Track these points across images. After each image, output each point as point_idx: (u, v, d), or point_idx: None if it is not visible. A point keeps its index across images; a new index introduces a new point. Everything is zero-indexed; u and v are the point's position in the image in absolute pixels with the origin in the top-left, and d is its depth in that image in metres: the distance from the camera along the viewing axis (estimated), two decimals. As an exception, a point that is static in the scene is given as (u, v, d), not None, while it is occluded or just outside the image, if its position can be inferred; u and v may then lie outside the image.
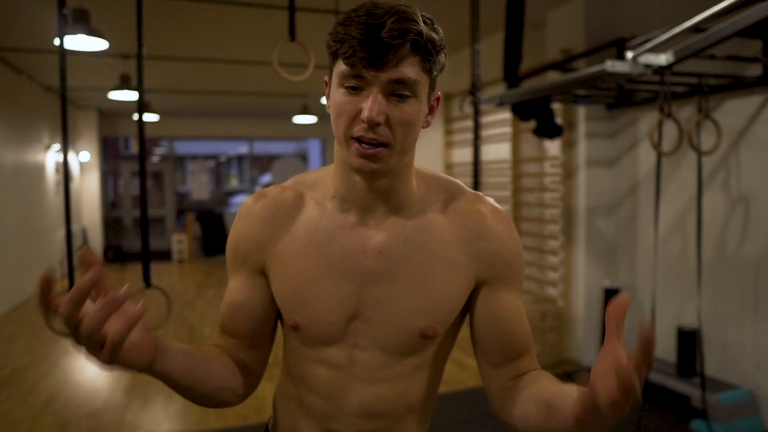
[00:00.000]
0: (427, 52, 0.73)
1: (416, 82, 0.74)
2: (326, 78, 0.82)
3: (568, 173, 3.88)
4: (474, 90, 2.87)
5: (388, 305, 0.83)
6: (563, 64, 3.57)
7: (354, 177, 0.81)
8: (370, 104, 0.72)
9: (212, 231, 9.45)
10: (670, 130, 3.06)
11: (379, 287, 0.83)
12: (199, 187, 10.84)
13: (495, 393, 0.88)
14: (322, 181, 0.88)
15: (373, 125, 0.73)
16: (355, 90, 0.73)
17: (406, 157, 0.80)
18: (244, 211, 0.90)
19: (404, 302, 0.82)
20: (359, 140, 0.74)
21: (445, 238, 0.84)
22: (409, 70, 0.73)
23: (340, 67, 0.74)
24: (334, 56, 0.75)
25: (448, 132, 5.62)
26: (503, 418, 0.86)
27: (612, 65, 2.21)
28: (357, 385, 0.86)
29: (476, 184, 2.93)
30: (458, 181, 0.90)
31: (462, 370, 3.75)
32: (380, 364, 0.85)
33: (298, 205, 0.87)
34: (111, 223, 9.57)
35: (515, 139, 4.44)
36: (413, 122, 0.76)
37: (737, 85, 2.87)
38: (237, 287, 0.90)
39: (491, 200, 0.88)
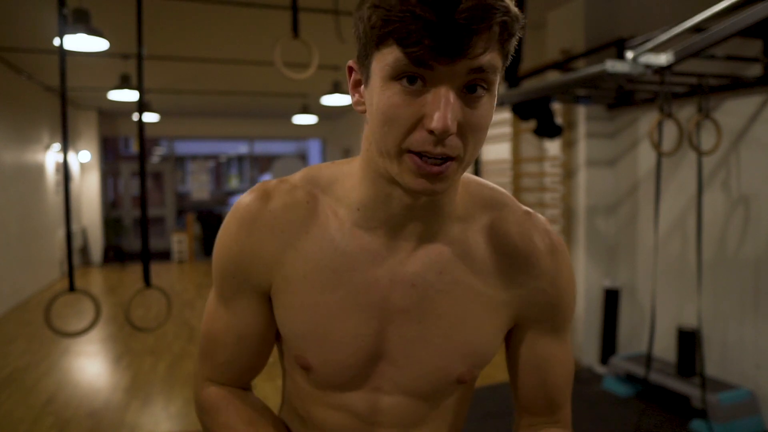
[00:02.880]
0: (510, 35, 0.56)
1: (495, 71, 0.56)
2: (352, 63, 0.63)
3: (568, 173, 3.88)
4: (474, 90, 2.87)
5: (419, 348, 0.69)
6: (563, 64, 3.57)
7: (393, 191, 0.64)
8: (444, 109, 0.53)
9: (212, 231, 9.46)
10: (670, 130, 3.06)
11: (409, 326, 0.69)
12: (199, 187, 10.84)
13: (515, 428, 0.82)
14: (339, 184, 0.70)
15: (445, 137, 0.55)
16: (413, 83, 0.55)
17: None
18: (246, 216, 0.70)
19: (439, 345, 0.69)
20: (419, 154, 0.57)
21: (487, 269, 0.70)
22: (490, 57, 0.54)
23: (393, 54, 0.54)
24: (380, 40, 0.55)
25: (448, 132, 5.62)
26: None
27: (612, 65, 2.21)
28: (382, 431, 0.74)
29: (476, 184, 2.93)
30: (506, 193, 0.74)
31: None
32: (408, 410, 0.73)
33: (311, 213, 0.69)
34: (111, 223, 9.56)
35: (515, 139, 4.44)
36: (487, 126, 0.58)
37: (737, 85, 2.87)
38: (240, 314, 0.74)
39: (543, 221, 0.73)
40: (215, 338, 0.75)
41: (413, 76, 0.54)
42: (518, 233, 0.70)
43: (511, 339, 0.76)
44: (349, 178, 0.69)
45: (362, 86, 0.62)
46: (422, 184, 0.58)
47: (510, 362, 0.78)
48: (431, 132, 0.54)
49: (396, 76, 0.55)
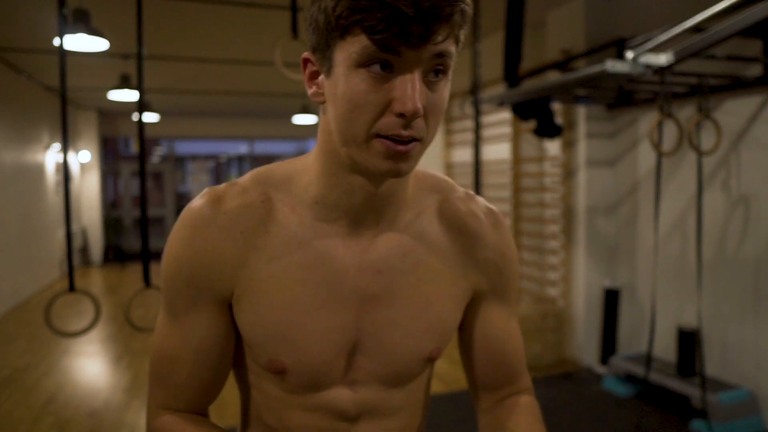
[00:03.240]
0: (465, 23, 0.59)
1: (452, 57, 0.59)
2: (307, 55, 0.63)
3: (568, 173, 3.88)
4: (474, 90, 2.88)
5: (390, 333, 0.70)
6: (563, 64, 3.57)
7: (354, 180, 0.65)
8: (411, 92, 0.56)
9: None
10: (670, 130, 3.06)
11: (379, 312, 0.70)
12: (199, 187, 10.84)
13: (479, 414, 0.81)
14: (294, 181, 0.70)
15: (415, 118, 0.57)
16: (380, 70, 0.56)
17: None
18: (199, 221, 0.67)
19: (409, 327, 0.71)
20: (388, 137, 0.58)
21: (443, 248, 0.73)
22: (449, 44, 0.57)
23: (361, 42, 0.55)
24: (346, 29, 0.56)
25: (448, 132, 5.62)
26: None
27: (612, 65, 2.21)
28: (360, 427, 0.73)
29: (477, 184, 2.93)
30: (446, 178, 0.78)
31: (461, 370, 3.74)
32: (384, 399, 0.73)
33: (268, 212, 0.68)
34: (111, 223, 9.56)
35: (515, 139, 4.44)
36: (444, 108, 0.61)
37: (737, 85, 2.87)
38: (197, 328, 0.69)
39: (483, 200, 0.78)
40: (170, 358, 0.71)
41: (380, 63, 0.56)
42: (465, 212, 0.75)
43: (467, 315, 0.77)
44: (304, 174, 0.69)
45: (320, 77, 0.63)
46: (390, 165, 0.60)
47: (466, 340, 0.79)
48: (401, 115, 0.56)
49: (363, 63, 0.56)
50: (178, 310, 0.69)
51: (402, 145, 0.58)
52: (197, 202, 0.69)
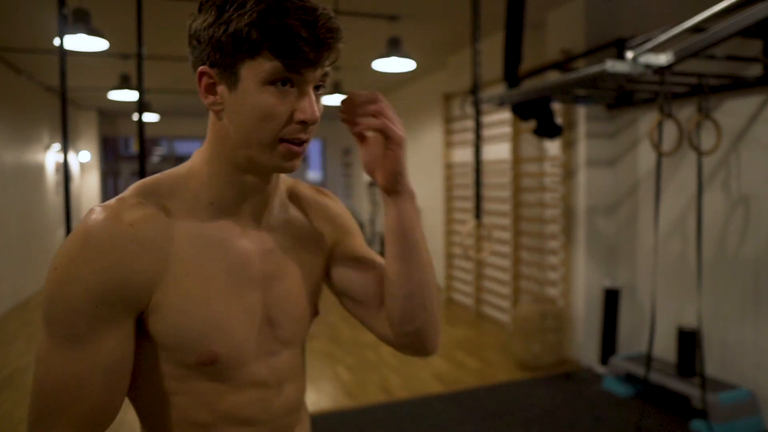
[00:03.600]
0: (340, 51, 0.74)
1: (330, 76, 0.75)
2: (205, 69, 0.71)
3: (568, 173, 3.88)
4: (474, 90, 2.88)
5: (289, 301, 0.84)
6: (563, 64, 3.57)
7: (247, 179, 0.76)
8: (310, 105, 0.71)
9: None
10: (670, 130, 3.07)
11: (278, 286, 0.82)
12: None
13: (385, 329, 0.88)
14: (182, 189, 0.76)
15: (313, 124, 0.72)
16: (284, 86, 0.69)
17: None
18: (105, 237, 0.67)
19: (299, 293, 0.85)
20: (289, 141, 0.72)
21: (303, 222, 0.89)
22: (331, 65, 0.73)
23: (271, 63, 0.67)
24: (257, 51, 0.67)
25: (448, 132, 5.62)
26: (400, 335, 0.85)
27: (612, 65, 2.21)
28: (282, 392, 0.83)
29: (477, 184, 2.93)
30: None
31: (462, 370, 3.74)
32: (293, 361, 0.86)
33: (168, 220, 0.73)
34: (111, 223, 9.57)
35: (515, 139, 4.44)
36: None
37: (737, 85, 2.87)
38: (105, 347, 0.68)
39: (308, 183, 0.97)
40: (74, 386, 0.68)
41: (285, 80, 0.69)
42: (305, 192, 0.93)
43: (336, 259, 0.91)
44: (191, 180, 0.77)
45: (218, 88, 0.72)
46: (288, 163, 0.73)
47: (345, 276, 0.90)
48: (303, 122, 0.71)
49: (272, 80, 0.69)
50: (80, 333, 0.67)
51: (299, 146, 0.73)
52: (95, 219, 0.68)
